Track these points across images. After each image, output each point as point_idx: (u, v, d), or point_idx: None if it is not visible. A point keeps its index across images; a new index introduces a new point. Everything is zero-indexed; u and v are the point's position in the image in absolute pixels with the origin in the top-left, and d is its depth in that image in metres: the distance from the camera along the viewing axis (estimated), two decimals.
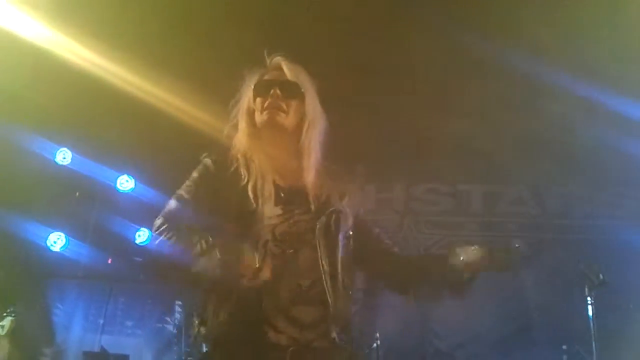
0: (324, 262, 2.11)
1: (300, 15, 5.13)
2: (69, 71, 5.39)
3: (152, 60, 5.34)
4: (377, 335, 5.30)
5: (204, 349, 2.11)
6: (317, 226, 2.14)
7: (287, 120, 2.22)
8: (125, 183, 6.73)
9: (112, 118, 6.14)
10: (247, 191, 2.13)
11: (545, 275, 6.19)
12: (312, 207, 2.18)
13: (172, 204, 2.25)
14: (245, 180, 2.16)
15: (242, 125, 2.28)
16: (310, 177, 2.22)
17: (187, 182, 2.26)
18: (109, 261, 6.32)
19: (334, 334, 2.08)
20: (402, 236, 6.85)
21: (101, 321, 6.05)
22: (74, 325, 6.33)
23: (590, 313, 3.94)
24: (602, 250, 6.01)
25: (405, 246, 6.81)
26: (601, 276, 3.87)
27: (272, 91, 2.21)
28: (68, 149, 6.57)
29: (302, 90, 2.24)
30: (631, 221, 6.32)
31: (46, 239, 6.34)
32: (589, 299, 3.92)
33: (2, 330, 5.16)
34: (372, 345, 5.28)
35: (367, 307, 5.35)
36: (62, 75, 5.47)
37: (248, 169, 2.19)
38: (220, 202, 2.14)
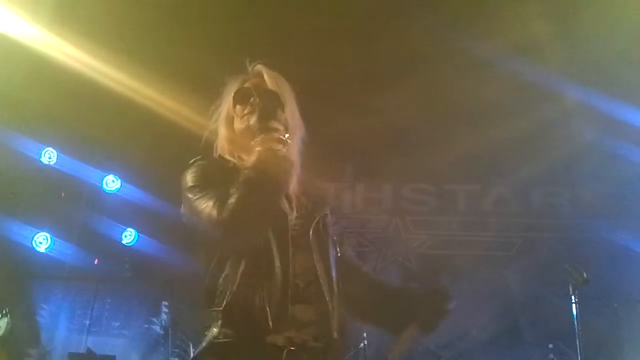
0: (318, 265, 2.12)
1: (284, 14, 5.12)
2: (55, 71, 5.35)
3: (139, 59, 5.31)
4: (365, 335, 5.31)
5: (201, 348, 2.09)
6: (311, 230, 2.15)
7: None
8: (112, 183, 6.70)
9: (99, 118, 6.10)
10: None
11: (531, 275, 6.24)
12: (301, 212, 2.18)
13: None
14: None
15: (222, 130, 2.27)
16: (293, 183, 2.19)
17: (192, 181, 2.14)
18: (95, 262, 6.29)
19: (335, 334, 2.08)
20: (390, 235, 6.89)
21: (87, 322, 6.02)
22: (59, 326, 6.28)
23: (574, 311, 3.95)
24: (586, 249, 6.07)
25: (393, 246, 6.84)
26: (585, 274, 3.90)
27: (251, 99, 2.20)
28: (54, 149, 6.52)
29: (282, 99, 2.21)
30: (614, 220, 6.38)
31: (32, 239, 6.29)
32: (573, 297, 3.94)
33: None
34: (359, 345, 5.29)
35: None
36: (48, 74, 5.43)
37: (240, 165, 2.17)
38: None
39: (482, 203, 6.83)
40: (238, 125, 2.24)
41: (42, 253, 6.30)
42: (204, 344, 2.07)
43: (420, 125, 6.06)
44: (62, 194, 6.45)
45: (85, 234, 6.40)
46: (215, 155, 2.27)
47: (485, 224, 6.76)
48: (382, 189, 6.88)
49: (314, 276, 2.11)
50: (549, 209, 6.73)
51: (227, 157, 2.23)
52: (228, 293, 2.01)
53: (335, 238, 2.27)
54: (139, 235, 6.64)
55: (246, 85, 2.28)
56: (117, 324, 6.46)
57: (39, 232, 6.31)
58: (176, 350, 5.59)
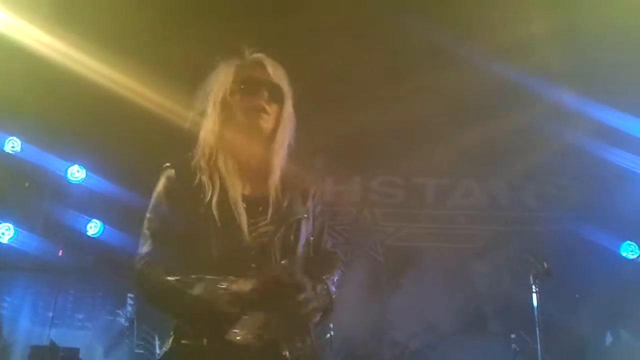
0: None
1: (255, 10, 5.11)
2: (18, 58, 5.24)
3: (105, 46, 5.22)
4: (331, 325, 5.33)
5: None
6: (275, 238, 2.11)
7: (267, 123, 2.18)
8: (77, 173, 6.59)
9: (64, 107, 6.00)
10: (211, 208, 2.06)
11: (495, 267, 6.35)
12: (275, 214, 2.14)
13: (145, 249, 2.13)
14: (210, 194, 2.08)
15: (213, 117, 2.19)
16: (275, 179, 2.18)
17: (150, 210, 2.15)
18: (60, 253, 6.18)
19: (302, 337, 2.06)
20: (359, 228, 6.92)
21: (50, 314, 5.91)
22: (21, 318, 6.16)
23: (534, 301, 4.04)
24: (549, 242, 6.19)
25: (362, 238, 6.88)
26: (545, 265, 3.99)
27: (259, 92, 2.15)
28: (17, 137, 6.38)
29: (284, 94, 2.21)
30: (577, 213, 6.52)
31: None
32: (533, 287, 4.03)
33: None
34: (325, 335, 5.30)
35: None
36: (10, 62, 5.31)
37: (212, 179, 2.12)
38: (189, 218, 2.08)
39: (450, 196, 6.91)
40: (240, 117, 2.17)
41: (5, 244, 6.17)
42: (167, 344, 2.06)
43: (389, 119, 6.09)
44: (26, 184, 6.33)
45: (50, 224, 6.29)
46: (196, 149, 2.19)
47: (452, 216, 6.85)
48: (351, 182, 6.91)
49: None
50: (515, 202, 6.85)
51: (203, 162, 2.16)
52: None
53: (312, 239, 2.24)
54: (104, 227, 6.55)
55: (249, 73, 2.21)
56: (81, 316, 6.37)
57: (2, 223, 6.18)
58: (141, 343, 5.53)
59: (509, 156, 6.36)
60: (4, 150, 6.34)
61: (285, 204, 2.17)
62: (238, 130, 2.17)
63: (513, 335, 5.03)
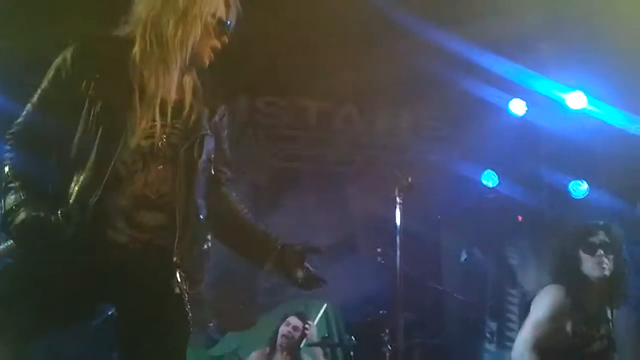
0: (180, 182, 2.16)
1: None
2: None
3: None
4: (209, 237, 5.43)
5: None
6: (182, 147, 2.17)
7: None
8: None
9: None
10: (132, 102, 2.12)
11: (367, 189, 6.71)
12: (182, 123, 2.20)
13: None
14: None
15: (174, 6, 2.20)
16: (189, 90, 2.27)
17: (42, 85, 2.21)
18: None
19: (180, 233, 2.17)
20: (242, 147, 6.97)
21: None
22: None
23: (397, 214, 4.33)
24: (419, 168, 6.61)
25: (247, 160, 6.94)
26: (410, 179, 4.27)
27: (223, 38, 2.35)
28: None
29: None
30: (447, 144, 7.00)
31: None
32: (397, 199, 4.30)
33: None
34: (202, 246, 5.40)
35: None
36: None
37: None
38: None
39: (331, 121, 7.10)
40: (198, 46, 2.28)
41: None
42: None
43: (279, 37, 6.06)
44: None
45: None
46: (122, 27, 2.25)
47: (331, 140, 7.08)
48: (237, 100, 6.90)
49: (170, 189, 2.15)
50: (390, 130, 7.18)
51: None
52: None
53: (212, 157, 2.32)
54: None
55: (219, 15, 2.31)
56: None
57: None
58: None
59: (390, 86, 6.57)
60: None
61: (193, 119, 2.24)
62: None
63: (379, 249, 5.35)
